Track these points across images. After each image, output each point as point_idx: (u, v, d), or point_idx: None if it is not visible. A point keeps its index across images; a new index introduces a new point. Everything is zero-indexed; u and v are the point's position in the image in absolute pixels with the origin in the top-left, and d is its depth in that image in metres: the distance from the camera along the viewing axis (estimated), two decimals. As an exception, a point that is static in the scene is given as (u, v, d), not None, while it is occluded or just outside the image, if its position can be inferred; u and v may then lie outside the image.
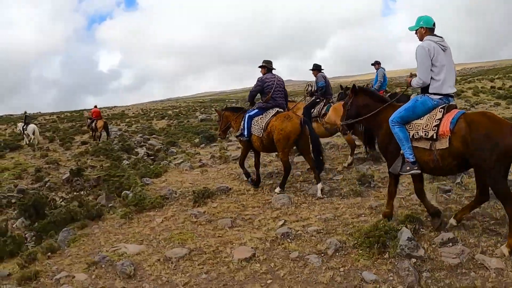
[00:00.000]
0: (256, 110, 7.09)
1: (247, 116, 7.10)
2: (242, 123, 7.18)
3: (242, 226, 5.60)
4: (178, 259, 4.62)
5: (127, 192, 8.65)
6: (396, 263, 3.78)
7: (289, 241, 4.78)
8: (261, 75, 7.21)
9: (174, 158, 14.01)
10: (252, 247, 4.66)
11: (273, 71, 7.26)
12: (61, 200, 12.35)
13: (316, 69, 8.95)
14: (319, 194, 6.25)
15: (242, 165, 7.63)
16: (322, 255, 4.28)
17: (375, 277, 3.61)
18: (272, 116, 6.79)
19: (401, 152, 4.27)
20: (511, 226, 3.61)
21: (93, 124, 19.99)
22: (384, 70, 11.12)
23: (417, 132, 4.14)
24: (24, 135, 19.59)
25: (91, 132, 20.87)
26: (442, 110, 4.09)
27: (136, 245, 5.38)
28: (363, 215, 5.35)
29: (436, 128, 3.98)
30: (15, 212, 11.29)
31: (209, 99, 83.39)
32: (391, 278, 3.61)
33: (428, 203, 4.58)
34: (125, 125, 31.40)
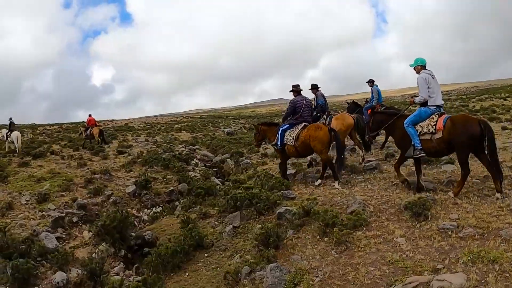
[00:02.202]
0: (288, 125, 8.53)
1: (280, 130, 8.58)
2: (276, 136, 8.64)
3: None
4: None
5: (288, 209, 6.25)
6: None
7: None
8: (292, 97, 8.69)
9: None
10: None
11: (302, 92, 8.73)
12: (143, 218, 9.51)
13: (315, 88, 10.26)
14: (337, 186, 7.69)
15: (284, 171, 8.99)
16: None
17: None
18: (300, 129, 8.27)
19: (412, 143, 6.48)
20: (460, 181, 6.12)
21: (89, 132, 19.70)
22: (378, 86, 12.37)
23: (423, 130, 6.42)
24: (7, 142, 18.42)
25: (85, 139, 20.33)
26: (437, 115, 6.43)
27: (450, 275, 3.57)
28: None
29: (434, 126, 6.29)
30: (90, 235, 8.35)
31: (206, 115, 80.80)
32: None
33: (420, 178, 6.76)
34: (146, 136, 28.37)
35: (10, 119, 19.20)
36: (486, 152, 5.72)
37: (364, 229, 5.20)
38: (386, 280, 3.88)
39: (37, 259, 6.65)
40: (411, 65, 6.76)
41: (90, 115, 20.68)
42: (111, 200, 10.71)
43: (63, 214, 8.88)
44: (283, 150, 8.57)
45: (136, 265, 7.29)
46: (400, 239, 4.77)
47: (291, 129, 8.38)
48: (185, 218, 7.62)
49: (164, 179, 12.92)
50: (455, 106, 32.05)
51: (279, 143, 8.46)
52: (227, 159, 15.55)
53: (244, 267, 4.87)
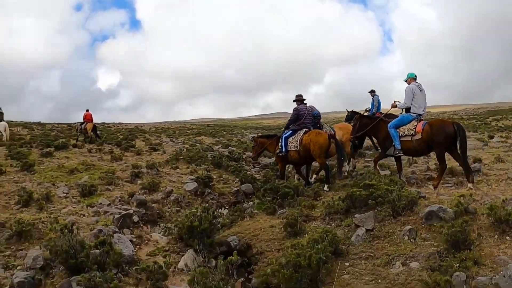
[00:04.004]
0: (290, 132, 8.83)
1: (283, 137, 8.84)
2: (280, 143, 8.92)
3: None
4: None
5: (442, 207, 4.99)
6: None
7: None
8: (295, 105, 9.02)
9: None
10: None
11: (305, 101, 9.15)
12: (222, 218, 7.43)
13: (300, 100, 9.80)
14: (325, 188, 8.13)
15: (282, 177, 9.20)
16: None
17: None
18: (302, 134, 8.61)
19: (393, 144, 7.46)
20: (439, 174, 7.23)
21: (83, 126, 19.39)
22: (378, 97, 12.98)
23: (404, 132, 7.42)
24: None
25: (78, 133, 20.17)
26: (417, 121, 7.42)
27: None
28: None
29: (414, 129, 7.29)
30: (165, 239, 6.25)
31: (213, 124, 78.96)
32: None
33: (401, 174, 7.89)
34: (166, 138, 26.29)
35: (0, 108, 18.46)
36: (458, 149, 6.94)
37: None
38: None
39: (112, 271, 4.49)
40: (404, 80, 7.76)
41: (87, 110, 20.23)
42: (172, 198, 8.61)
43: (130, 211, 6.70)
44: (285, 157, 8.85)
45: (241, 279, 5.22)
46: None
47: (294, 136, 8.71)
48: (291, 220, 5.81)
49: (221, 178, 10.81)
50: (477, 124, 30.43)
51: (283, 150, 8.73)
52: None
53: (456, 273, 3.78)
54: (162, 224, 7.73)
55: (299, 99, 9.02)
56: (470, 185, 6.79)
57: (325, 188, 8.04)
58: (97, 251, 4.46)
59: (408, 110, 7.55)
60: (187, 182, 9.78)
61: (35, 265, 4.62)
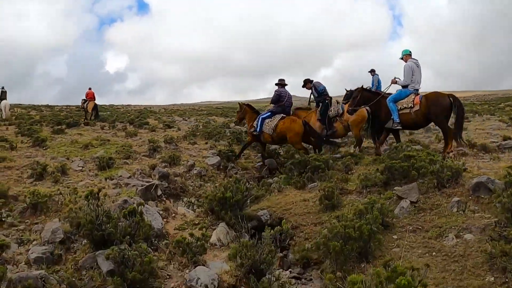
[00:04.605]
0: (268, 113, 9.15)
1: (261, 117, 9.11)
2: (255, 122, 9.16)
3: None
4: None
5: (490, 178, 4.71)
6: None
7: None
8: (276, 88, 9.31)
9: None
10: None
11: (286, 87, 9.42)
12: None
13: (308, 82, 9.74)
14: None
15: (239, 156, 9.54)
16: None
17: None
18: (279, 119, 8.83)
19: (392, 117, 7.66)
20: (449, 139, 7.28)
21: (86, 105, 19.36)
22: (378, 76, 13.18)
23: (402, 105, 7.60)
24: None
25: (83, 111, 20.07)
26: (414, 95, 7.60)
27: None
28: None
29: (412, 101, 7.48)
30: (194, 213, 5.69)
31: (221, 107, 78.18)
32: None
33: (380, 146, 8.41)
34: (178, 117, 25.68)
35: (2, 88, 18.50)
36: (453, 118, 7.32)
37: None
38: None
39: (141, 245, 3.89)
40: (400, 58, 7.92)
41: (90, 89, 19.83)
42: (195, 172, 7.99)
43: (154, 183, 6.11)
44: (257, 136, 9.11)
45: (280, 254, 4.68)
46: None
47: (270, 119, 8.95)
48: (328, 193, 5.41)
49: (243, 154, 10.20)
50: (491, 109, 29.37)
51: (257, 129, 8.97)
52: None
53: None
54: (185, 198, 7.15)
55: (281, 83, 9.28)
56: (452, 154, 7.10)
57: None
58: (126, 221, 3.85)
59: (405, 86, 7.73)
60: (208, 156, 9.19)
61: (54, 239, 4.05)
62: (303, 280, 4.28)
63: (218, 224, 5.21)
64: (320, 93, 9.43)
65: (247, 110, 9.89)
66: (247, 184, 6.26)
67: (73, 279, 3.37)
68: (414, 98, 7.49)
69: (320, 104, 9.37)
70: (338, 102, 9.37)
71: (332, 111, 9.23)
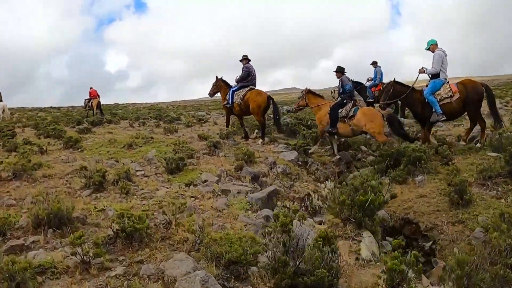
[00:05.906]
0: (238, 87, 9.70)
1: (231, 91, 9.75)
2: (227, 95, 9.86)
3: None
4: None
5: None
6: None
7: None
8: (242, 64, 9.77)
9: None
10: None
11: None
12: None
13: (340, 71, 9.05)
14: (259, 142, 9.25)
15: (227, 126, 10.60)
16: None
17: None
18: (247, 91, 9.47)
19: (433, 110, 7.38)
20: (482, 133, 7.46)
21: (90, 103, 19.88)
22: (380, 67, 13.06)
23: (442, 96, 7.39)
24: None
25: (87, 111, 20.47)
26: (447, 83, 7.45)
27: None
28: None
29: (451, 90, 7.33)
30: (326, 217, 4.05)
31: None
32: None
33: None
34: (195, 112, 24.10)
35: None
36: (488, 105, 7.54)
37: None
38: None
39: None
40: (426, 49, 7.71)
41: (91, 88, 20.43)
42: (279, 170, 6.49)
43: (272, 188, 4.59)
44: (230, 108, 9.82)
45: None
46: None
47: (239, 91, 9.52)
48: (460, 186, 4.91)
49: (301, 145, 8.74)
50: (501, 94, 27.85)
51: (230, 101, 9.64)
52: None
53: None
54: (279, 202, 5.59)
55: (245, 58, 9.66)
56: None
57: (259, 142, 9.12)
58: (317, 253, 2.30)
59: (434, 76, 7.50)
60: (282, 151, 7.70)
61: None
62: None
63: (362, 234, 3.89)
64: (344, 90, 8.81)
65: (221, 85, 10.22)
66: (378, 180, 4.85)
67: None
68: (450, 87, 7.36)
69: (340, 98, 8.79)
70: (356, 105, 8.58)
71: (344, 111, 8.52)
